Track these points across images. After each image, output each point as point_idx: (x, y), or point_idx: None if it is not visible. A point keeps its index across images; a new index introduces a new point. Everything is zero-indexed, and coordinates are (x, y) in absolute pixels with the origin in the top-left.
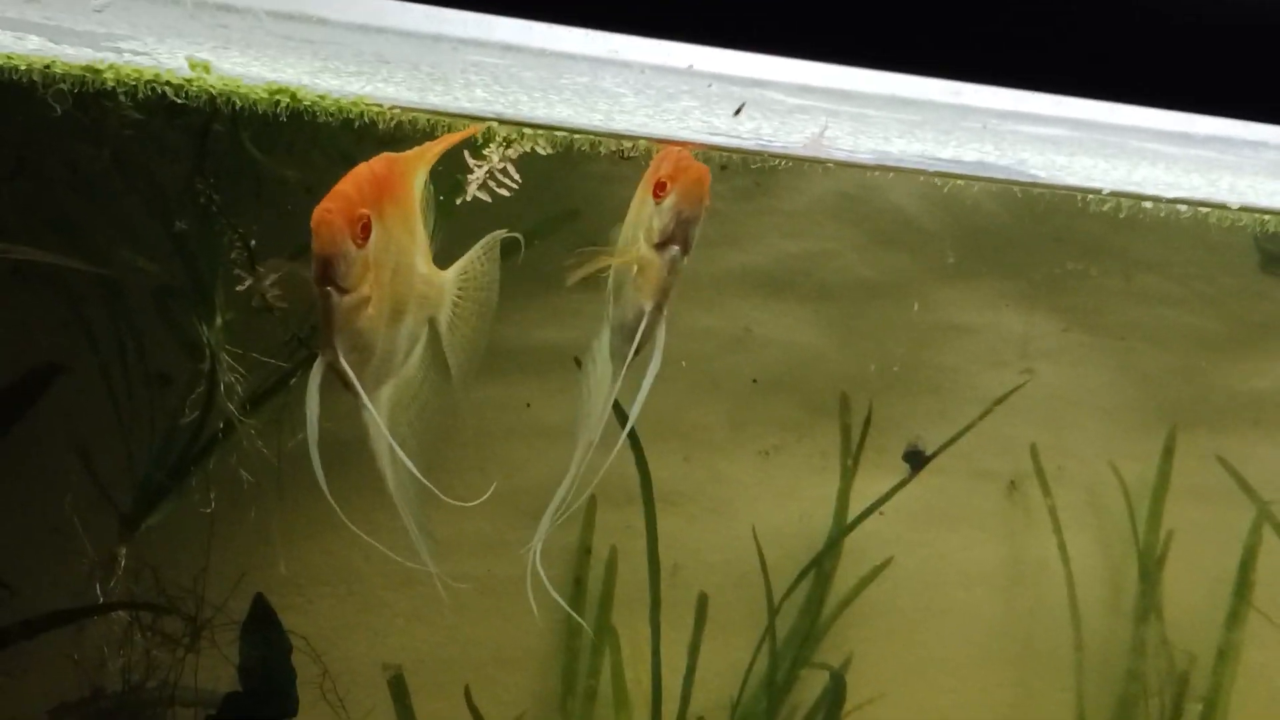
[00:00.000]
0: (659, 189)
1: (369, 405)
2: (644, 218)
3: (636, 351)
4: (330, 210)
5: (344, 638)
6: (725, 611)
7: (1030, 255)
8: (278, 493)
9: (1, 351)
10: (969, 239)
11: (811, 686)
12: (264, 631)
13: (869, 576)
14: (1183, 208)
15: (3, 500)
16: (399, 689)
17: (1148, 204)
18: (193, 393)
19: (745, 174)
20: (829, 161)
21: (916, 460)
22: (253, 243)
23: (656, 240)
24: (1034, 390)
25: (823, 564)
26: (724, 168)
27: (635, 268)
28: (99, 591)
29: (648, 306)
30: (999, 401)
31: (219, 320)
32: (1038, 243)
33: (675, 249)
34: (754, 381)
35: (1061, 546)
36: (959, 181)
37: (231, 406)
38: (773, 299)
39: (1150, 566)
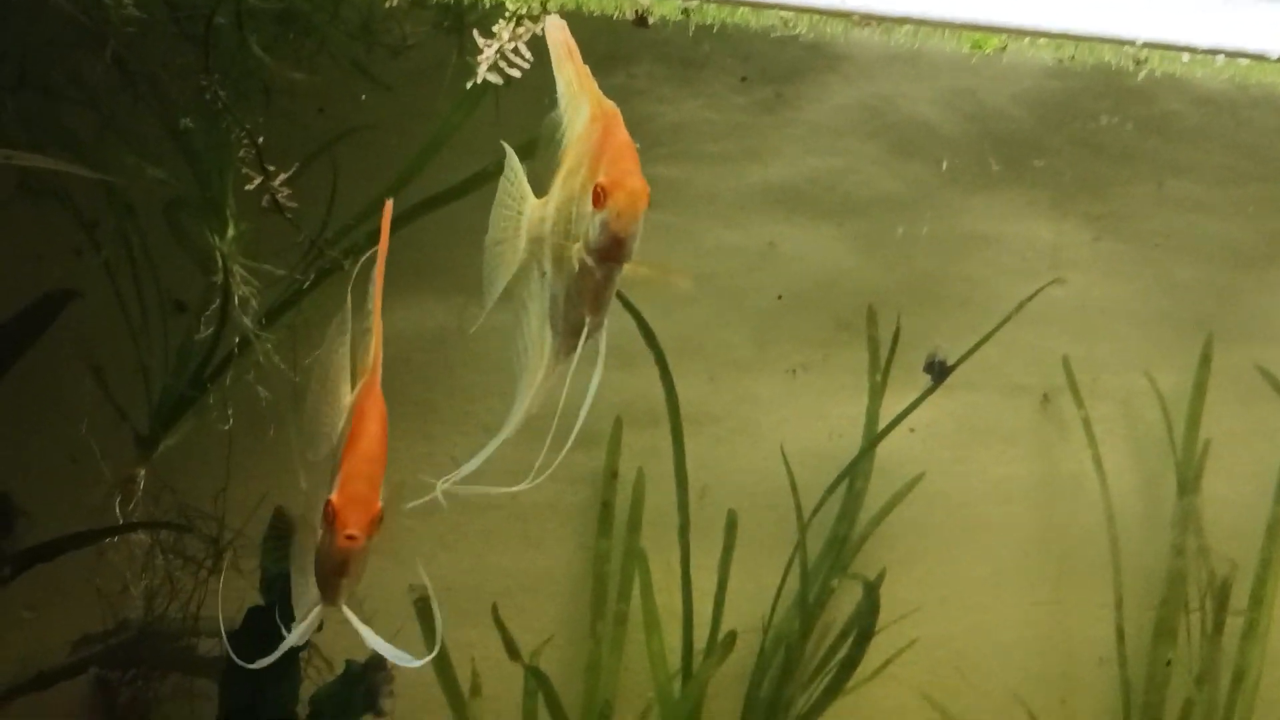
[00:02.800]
0: (596, 196)
1: None
2: (579, 209)
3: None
4: (355, 537)
5: (370, 564)
6: (755, 533)
7: (1059, 162)
8: (296, 409)
9: (12, 277)
10: (996, 147)
11: (844, 606)
12: (284, 545)
13: (901, 493)
14: (1219, 59)
15: (19, 427)
16: (425, 612)
17: (1185, 56)
18: (207, 309)
19: (765, 85)
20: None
21: (938, 371)
22: (260, 140)
23: (593, 252)
24: (1065, 301)
25: (853, 482)
26: (744, 79)
27: (573, 263)
28: (118, 515)
29: (590, 320)
30: (1022, 305)
31: (231, 231)
32: (1066, 148)
33: (615, 265)
34: (779, 298)
35: (1097, 460)
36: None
37: (247, 321)
38: (796, 213)
39: (1188, 477)
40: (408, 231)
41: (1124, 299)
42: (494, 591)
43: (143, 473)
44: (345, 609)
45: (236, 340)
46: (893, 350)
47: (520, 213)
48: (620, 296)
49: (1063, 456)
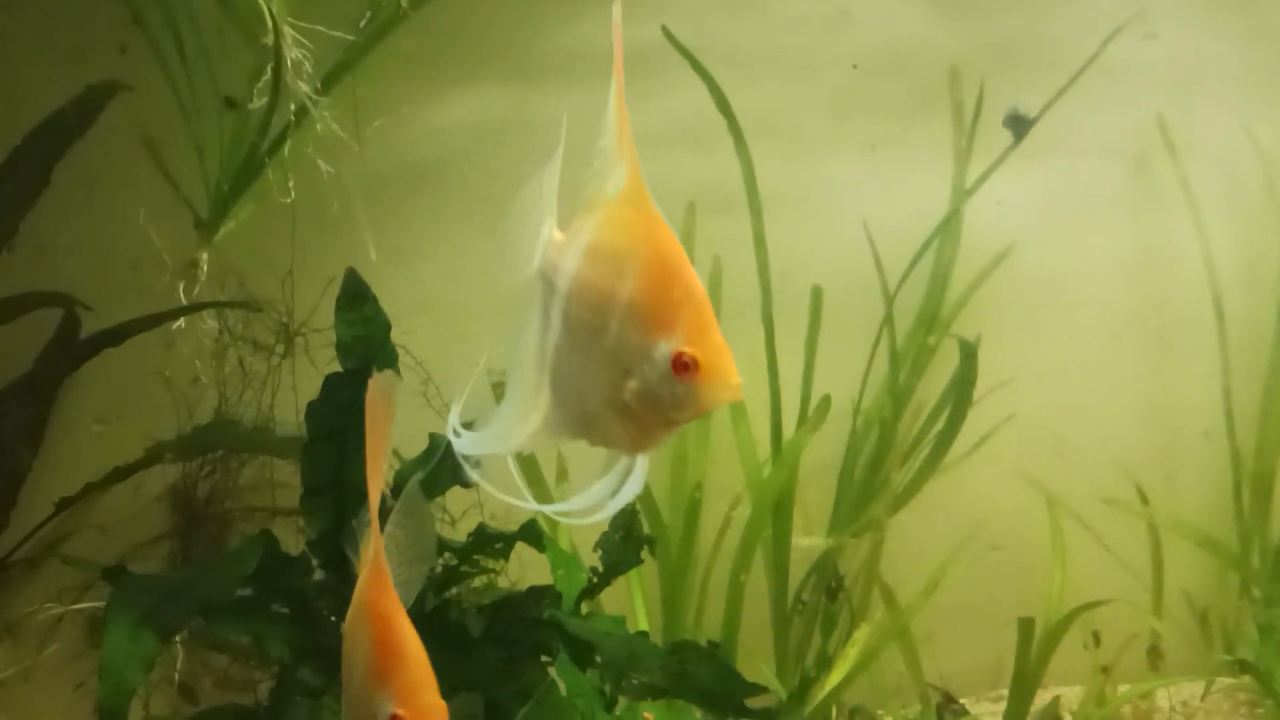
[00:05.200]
0: (683, 366)
1: None
2: (637, 344)
3: None
4: None
5: (443, 363)
6: (840, 317)
7: None
8: (360, 179)
9: (58, 79)
10: None
11: (935, 388)
12: (359, 307)
13: (990, 266)
14: None
15: (77, 220)
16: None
17: None
18: (260, 78)
19: None
20: None
21: (1019, 126)
22: None
23: (660, 409)
24: (1158, 58)
25: (941, 254)
26: None
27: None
28: (183, 296)
29: (640, 458)
30: (1096, 54)
31: None
32: None
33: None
34: (854, 67)
35: (1196, 224)
36: None
37: (303, 86)
38: None
39: None
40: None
41: (1220, 53)
42: None
43: (205, 258)
44: None
45: (293, 109)
46: (976, 116)
47: (539, 223)
48: (695, 65)
49: (1159, 223)
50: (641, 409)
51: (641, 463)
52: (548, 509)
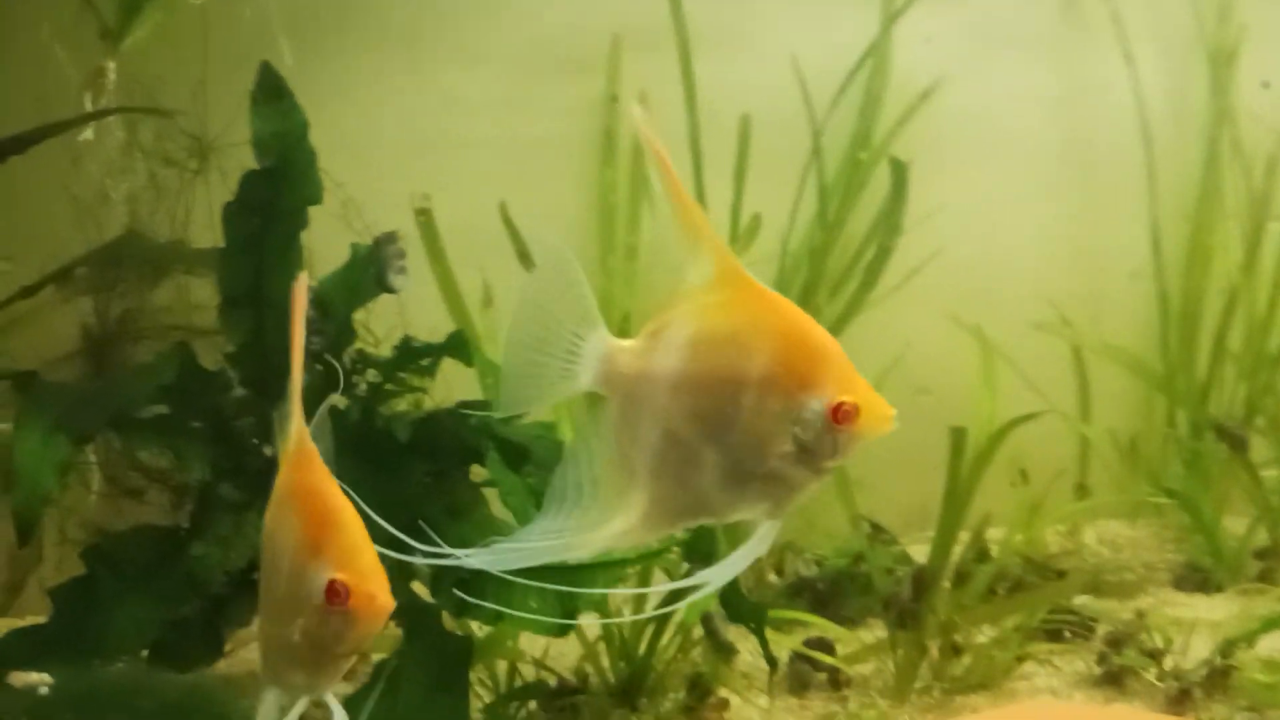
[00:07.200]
0: (844, 416)
1: None
2: (785, 411)
3: None
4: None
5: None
6: (770, 154)
7: None
8: None
9: None
10: None
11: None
12: (276, 102)
13: (917, 101)
14: None
15: None
16: (427, 220)
17: None
18: None
19: None
20: None
21: None
22: None
23: (814, 462)
24: None
25: (869, 89)
26: None
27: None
28: (90, 106)
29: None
30: None
31: None
32: None
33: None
34: None
35: (1126, 60)
36: None
37: None
38: None
39: (1220, 65)
40: None
41: None
42: (498, 230)
43: (112, 67)
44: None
45: None
46: None
47: (579, 336)
48: None
49: (1088, 60)
50: (793, 469)
51: (774, 524)
52: (686, 583)
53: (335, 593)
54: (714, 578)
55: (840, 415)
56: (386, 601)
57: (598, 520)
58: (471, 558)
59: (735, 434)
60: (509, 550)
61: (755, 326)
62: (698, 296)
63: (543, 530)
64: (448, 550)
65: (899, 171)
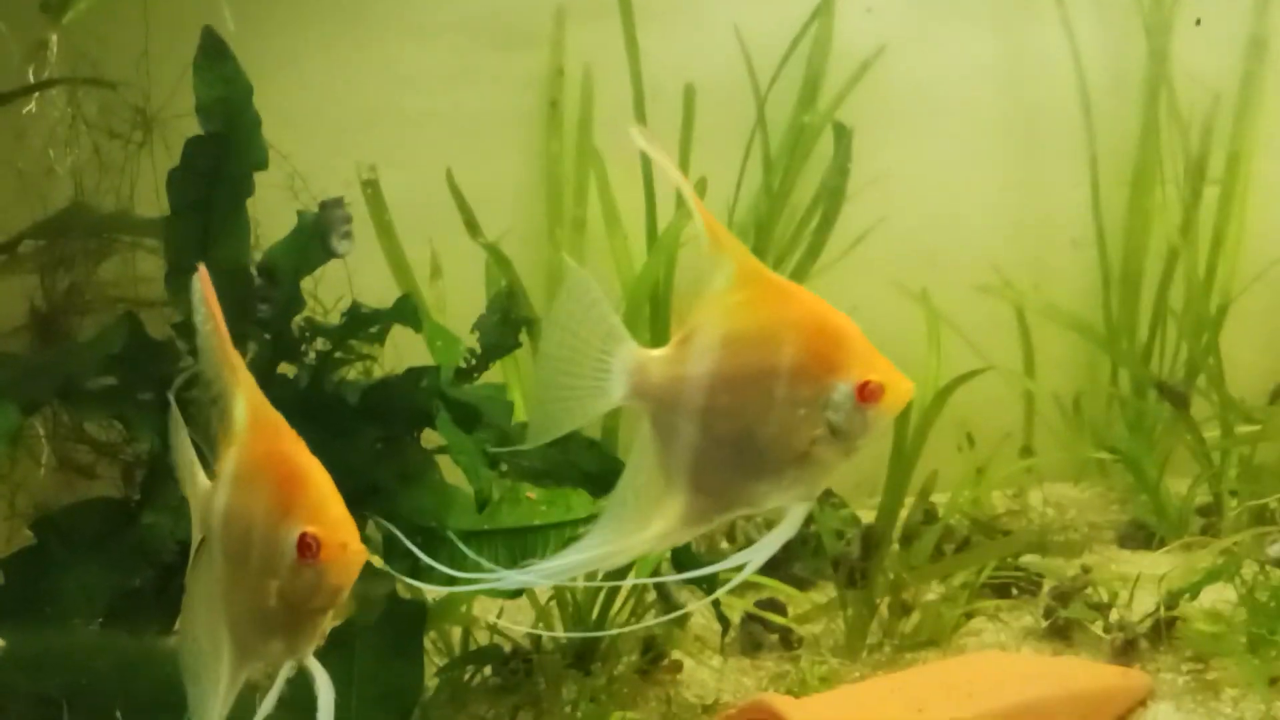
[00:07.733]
0: (870, 394)
1: None
2: (814, 396)
3: None
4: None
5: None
6: (714, 125)
7: None
8: None
9: None
10: None
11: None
12: (219, 67)
13: (860, 71)
14: None
15: None
16: (374, 192)
17: None
18: None
19: None
20: None
21: None
22: None
23: (846, 442)
24: None
25: (812, 59)
26: None
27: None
28: (33, 79)
29: (800, 507)
30: None
31: None
32: None
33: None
34: None
35: (1065, 28)
36: None
37: None
38: None
39: (1157, 32)
40: None
41: None
42: (446, 202)
43: (55, 39)
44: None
45: None
46: None
47: (607, 352)
48: None
49: (1029, 28)
50: (827, 450)
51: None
52: (720, 566)
53: (307, 545)
54: (751, 558)
55: (867, 394)
56: (359, 550)
57: (636, 526)
58: (512, 575)
59: (770, 425)
60: (550, 570)
61: (779, 320)
62: (721, 299)
63: (586, 544)
64: (491, 568)
65: (843, 136)
